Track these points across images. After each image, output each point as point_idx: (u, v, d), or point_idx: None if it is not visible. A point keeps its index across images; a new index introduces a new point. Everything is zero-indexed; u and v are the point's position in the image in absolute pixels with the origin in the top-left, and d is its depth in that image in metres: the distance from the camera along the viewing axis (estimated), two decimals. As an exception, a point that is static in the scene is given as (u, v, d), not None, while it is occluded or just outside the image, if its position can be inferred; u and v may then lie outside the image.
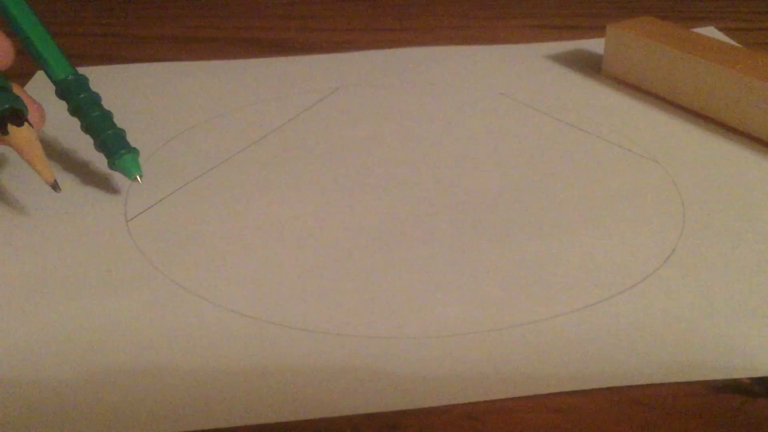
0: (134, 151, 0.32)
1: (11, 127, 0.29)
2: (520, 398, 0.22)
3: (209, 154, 0.35)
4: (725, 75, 0.37)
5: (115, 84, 0.42)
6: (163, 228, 0.30)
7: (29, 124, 0.30)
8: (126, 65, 0.46)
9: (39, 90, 0.38)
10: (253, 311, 0.26)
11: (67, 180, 0.33)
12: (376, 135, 0.37)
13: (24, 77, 0.43)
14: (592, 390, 0.23)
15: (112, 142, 0.32)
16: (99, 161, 0.34)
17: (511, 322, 0.25)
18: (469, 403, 0.22)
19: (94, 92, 0.33)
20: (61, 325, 0.25)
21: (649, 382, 0.23)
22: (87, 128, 0.32)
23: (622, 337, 0.24)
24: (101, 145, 0.32)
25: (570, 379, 0.23)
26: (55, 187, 0.31)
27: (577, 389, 0.23)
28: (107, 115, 0.32)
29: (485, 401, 0.22)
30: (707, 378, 0.23)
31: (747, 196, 0.32)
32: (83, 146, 0.35)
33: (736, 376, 0.23)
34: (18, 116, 0.29)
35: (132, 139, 0.33)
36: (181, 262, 0.28)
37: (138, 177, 0.32)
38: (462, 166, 0.35)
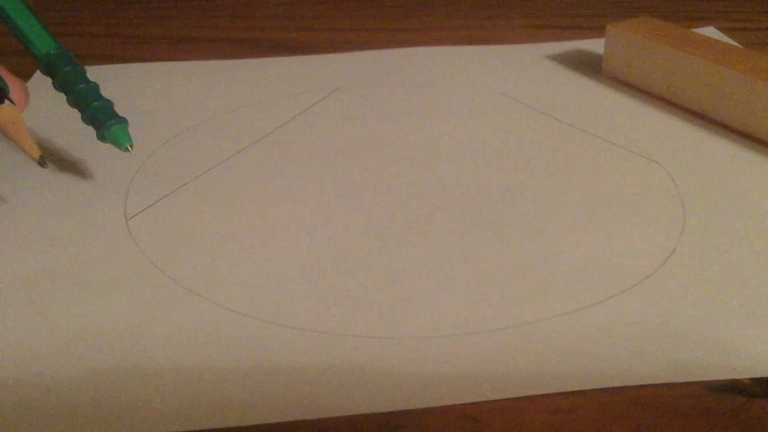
0: (123, 121, 0.31)
1: None
2: (520, 398, 0.22)
3: (209, 154, 0.35)
4: (725, 75, 0.37)
5: (115, 84, 0.42)
6: (163, 227, 0.30)
7: (10, 101, 0.29)
8: (126, 65, 0.46)
9: (40, 90, 0.38)
10: (253, 311, 0.26)
11: (66, 178, 0.33)
12: (376, 135, 0.37)
13: (24, 77, 0.43)
14: (592, 390, 0.23)
15: (101, 114, 0.31)
16: (99, 159, 0.34)
17: (510, 322, 0.25)
18: (469, 403, 0.22)
19: (80, 66, 0.32)
20: (60, 324, 0.25)
21: (649, 382, 0.23)
22: (74, 102, 0.32)
23: (621, 337, 0.24)
24: (89, 118, 0.31)
25: (570, 379, 0.23)
26: (41, 162, 0.30)
27: (577, 389, 0.23)
28: (94, 87, 0.32)
29: (485, 401, 0.22)
30: (707, 378, 0.23)
31: (747, 196, 0.32)
32: (83, 144, 0.35)
33: (736, 376, 0.23)
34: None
35: (132, 138, 0.33)
36: (181, 261, 0.28)
37: (129, 147, 0.31)
38: (462, 166, 0.35)
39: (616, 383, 0.23)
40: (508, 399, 0.22)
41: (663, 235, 0.30)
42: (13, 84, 0.31)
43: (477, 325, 0.25)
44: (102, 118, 0.31)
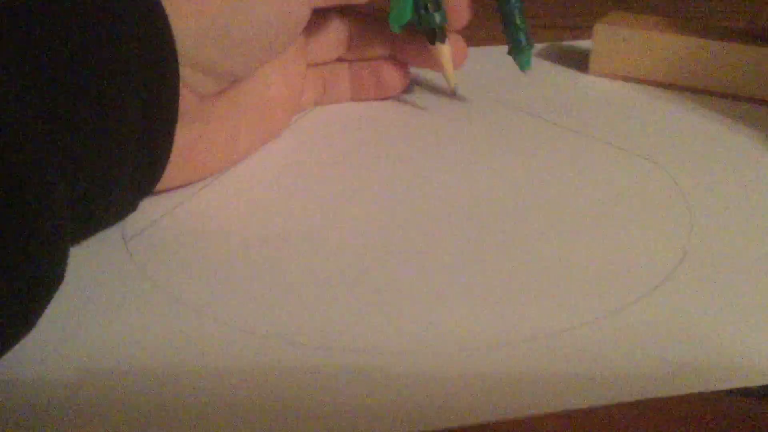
0: (532, 48, 0.38)
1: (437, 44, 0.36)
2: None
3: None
4: (723, 48, 0.40)
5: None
6: (164, 246, 0.29)
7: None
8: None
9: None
10: (266, 329, 0.25)
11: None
12: (374, 143, 0.37)
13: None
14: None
15: (522, 35, 0.38)
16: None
17: (528, 335, 0.24)
18: (487, 423, 0.22)
19: None
20: (64, 352, 0.24)
21: (674, 393, 0.22)
22: (502, 11, 0.38)
23: (642, 345, 0.24)
24: (510, 33, 0.38)
25: (591, 392, 0.22)
26: (454, 91, 0.39)
27: (600, 404, 0.22)
28: (521, 4, 0.37)
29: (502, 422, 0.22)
30: (737, 385, 0.22)
31: (750, 192, 0.32)
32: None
33: (759, 382, 0.22)
34: (441, 32, 0.36)
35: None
36: (185, 280, 0.27)
37: (526, 72, 0.39)
38: (461, 173, 0.34)
39: (640, 396, 0.22)
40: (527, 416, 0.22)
41: (672, 238, 0.29)
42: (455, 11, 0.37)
43: (494, 339, 0.24)
44: (519, 41, 0.38)
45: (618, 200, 0.32)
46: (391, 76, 0.39)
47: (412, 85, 0.42)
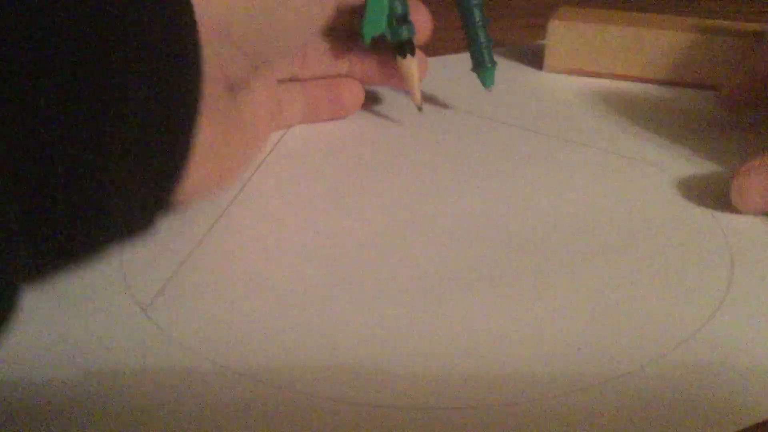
0: (494, 66, 0.39)
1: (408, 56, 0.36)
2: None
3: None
4: (681, 38, 0.41)
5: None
6: (186, 305, 0.27)
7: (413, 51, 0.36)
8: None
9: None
10: (306, 387, 0.23)
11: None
12: (359, 163, 0.36)
13: None
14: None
15: (485, 53, 0.39)
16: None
17: (575, 386, 0.23)
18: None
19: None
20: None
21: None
22: (467, 29, 0.39)
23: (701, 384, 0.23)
24: (474, 51, 0.39)
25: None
26: (420, 108, 0.38)
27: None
28: (486, 23, 0.38)
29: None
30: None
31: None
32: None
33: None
34: (411, 46, 0.36)
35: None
36: (218, 339, 0.25)
37: (490, 88, 0.40)
38: (461, 194, 0.33)
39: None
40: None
41: (714, 245, 0.28)
42: (418, 14, 0.36)
43: (541, 391, 0.23)
44: (483, 59, 0.39)
45: (640, 219, 0.31)
46: (350, 94, 0.38)
47: (376, 104, 0.41)
